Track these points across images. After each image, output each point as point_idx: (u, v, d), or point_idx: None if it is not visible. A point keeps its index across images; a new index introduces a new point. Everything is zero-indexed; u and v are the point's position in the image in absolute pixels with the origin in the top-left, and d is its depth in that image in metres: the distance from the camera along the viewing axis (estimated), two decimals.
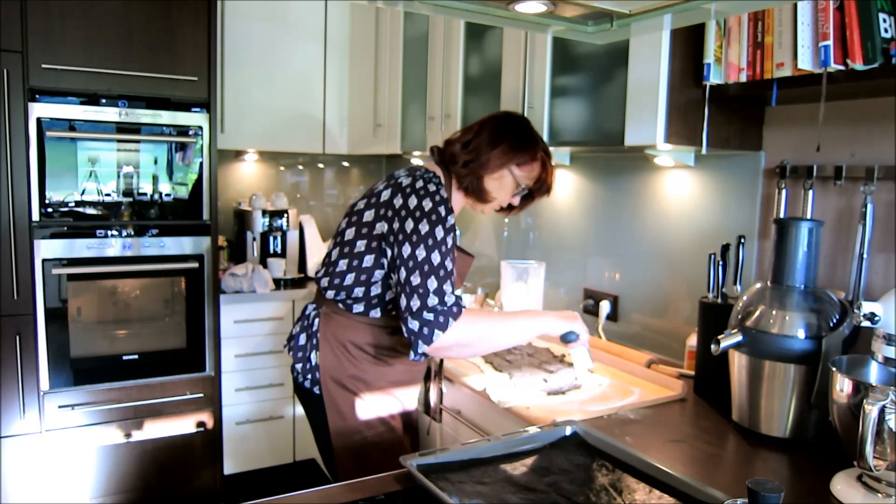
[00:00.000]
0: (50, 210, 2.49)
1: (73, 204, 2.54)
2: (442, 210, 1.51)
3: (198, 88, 2.68)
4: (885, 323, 1.14)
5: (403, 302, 1.48)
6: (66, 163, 2.52)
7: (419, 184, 1.55)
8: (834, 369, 1.12)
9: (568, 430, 1.27)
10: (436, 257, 1.48)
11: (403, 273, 1.48)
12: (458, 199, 1.69)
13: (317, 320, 1.65)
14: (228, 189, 3.46)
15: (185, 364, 2.76)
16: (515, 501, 1.03)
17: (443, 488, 1.04)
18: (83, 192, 2.57)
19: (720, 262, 1.64)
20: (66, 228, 2.52)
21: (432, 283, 1.47)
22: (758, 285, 1.42)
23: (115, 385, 2.64)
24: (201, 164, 2.73)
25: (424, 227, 1.49)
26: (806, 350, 1.29)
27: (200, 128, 2.71)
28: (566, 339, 1.58)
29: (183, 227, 2.72)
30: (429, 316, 1.45)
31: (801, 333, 1.30)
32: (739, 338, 1.36)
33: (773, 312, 1.34)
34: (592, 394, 1.64)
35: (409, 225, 1.50)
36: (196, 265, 2.74)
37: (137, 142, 2.64)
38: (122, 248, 2.62)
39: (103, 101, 2.54)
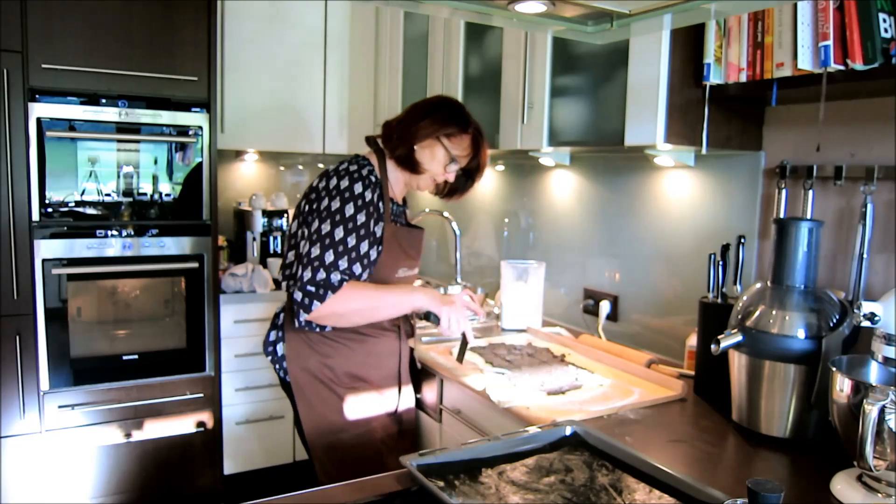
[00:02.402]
0: (50, 210, 2.49)
1: (73, 204, 2.54)
2: (358, 187, 1.60)
3: (198, 88, 2.68)
4: (885, 323, 1.14)
5: (298, 272, 1.56)
6: (66, 163, 2.52)
7: (342, 167, 1.66)
8: (834, 369, 1.12)
9: (568, 430, 1.27)
10: (339, 232, 1.56)
11: (306, 246, 1.58)
12: (398, 178, 1.77)
13: (282, 315, 1.75)
14: (228, 189, 3.46)
15: (185, 364, 2.76)
16: (515, 501, 1.03)
17: (443, 488, 1.04)
18: (83, 192, 2.56)
19: (720, 262, 1.64)
20: (66, 228, 2.52)
21: (329, 257, 1.55)
22: (758, 285, 1.42)
23: (115, 385, 2.64)
24: (201, 164, 2.73)
25: (335, 204, 1.58)
26: (806, 350, 1.29)
27: (200, 128, 2.71)
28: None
29: (183, 227, 2.72)
30: (311, 288, 1.53)
31: (801, 333, 1.30)
32: (739, 338, 1.36)
33: (773, 312, 1.34)
34: (592, 394, 1.64)
35: (324, 203, 1.59)
36: (196, 265, 2.74)
37: (137, 142, 2.64)
38: (122, 248, 2.62)
39: (103, 101, 2.54)
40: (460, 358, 1.79)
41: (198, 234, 2.74)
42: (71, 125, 2.49)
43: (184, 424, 2.77)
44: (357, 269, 1.59)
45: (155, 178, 2.70)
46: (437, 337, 2.15)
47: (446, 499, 0.99)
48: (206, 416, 2.81)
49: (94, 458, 2.62)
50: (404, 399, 1.83)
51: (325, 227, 1.56)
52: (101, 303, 2.63)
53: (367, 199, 1.60)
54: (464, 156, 1.73)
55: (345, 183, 1.60)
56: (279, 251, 3.25)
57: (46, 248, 2.49)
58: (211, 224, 2.76)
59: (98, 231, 2.58)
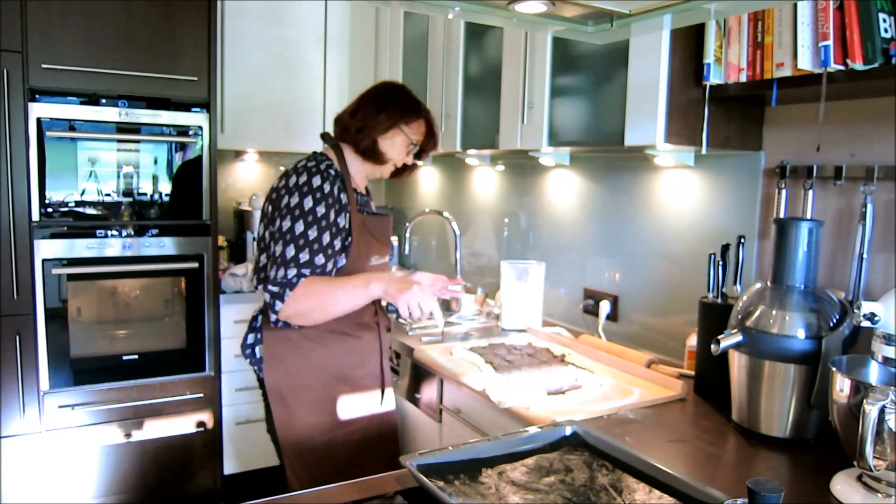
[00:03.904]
0: (50, 210, 2.49)
1: (73, 204, 2.54)
2: (315, 180, 1.60)
3: (198, 88, 2.68)
4: (885, 323, 1.14)
5: (269, 272, 1.59)
6: (66, 163, 2.52)
7: (301, 163, 1.67)
8: (834, 369, 1.12)
9: (568, 430, 1.27)
10: (299, 227, 1.57)
11: (272, 245, 1.61)
12: (359, 170, 1.79)
13: (259, 317, 1.75)
14: (228, 189, 3.46)
15: (185, 364, 2.76)
16: (515, 501, 1.03)
17: (443, 488, 1.04)
18: (83, 192, 2.56)
19: (720, 262, 1.64)
20: (66, 228, 2.52)
21: (290, 251, 1.57)
22: (758, 285, 1.42)
23: (115, 385, 2.63)
24: (201, 164, 2.73)
25: (294, 200, 1.59)
26: (806, 350, 1.29)
27: (200, 128, 2.71)
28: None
29: (183, 227, 2.72)
30: (273, 288, 1.56)
31: (801, 333, 1.30)
32: (739, 338, 1.36)
33: (773, 312, 1.34)
34: (592, 394, 1.64)
35: (284, 201, 1.61)
36: (196, 265, 2.74)
37: (137, 142, 2.64)
38: (122, 248, 2.62)
39: (103, 101, 2.54)
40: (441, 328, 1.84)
41: (198, 234, 2.74)
42: (71, 125, 2.49)
43: (184, 424, 2.77)
44: (319, 259, 1.59)
45: (155, 178, 2.70)
46: (438, 337, 2.15)
47: (446, 499, 0.99)
48: (206, 416, 2.81)
49: (94, 458, 2.62)
50: (387, 401, 1.83)
51: (286, 224, 1.58)
52: (101, 303, 2.63)
53: (325, 191, 1.61)
54: (421, 139, 1.79)
55: (303, 178, 1.61)
56: None
57: (46, 248, 2.48)
58: (211, 224, 2.76)
59: (98, 231, 2.58)
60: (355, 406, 1.75)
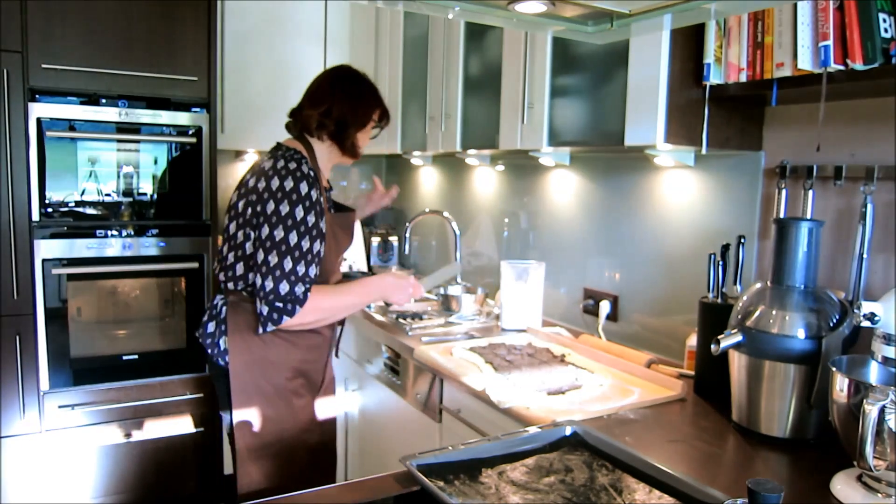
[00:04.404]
0: (50, 210, 2.49)
1: (73, 204, 2.54)
2: (303, 187, 1.60)
3: (198, 88, 2.68)
4: (885, 323, 1.14)
5: (258, 281, 1.57)
6: (66, 163, 2.52)
7: (280, 164, 1.63)
8: (834, 369, 1.12)
9: (568, 430, 1.27)
10: (293, 237, 1.56)
11: (261, 254, 1.58)
12: (327, 163, 1.81)
13: (224, 308, 1.72)
14: (228, 189, 3.45)
15: (185, 364, 2.76)
16: (515, 501, 1.03)
17: (443, 488, 1.04)
18: (83, 192, 2.57)
19: (720, 262, 1.64)
20: (66, 228, 2.52)
21: (287, 264, 1.56)
22: (758, 285, 1.42)
23: (115, 385, 2.64)
24: (201, 164, 2.73)
25: (285, 209, 1.57)
26: (806, 350, 1.29)
27: (200, 128, 2.71)
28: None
29: (183, 227, 2.72)
30: (279, 304, 1.57)
31: (801, 333, 1.30)
32: (739, 338, 1.36)
33: (773, 312, 1.34)
34: (592, 394, 1.64)
35: (271, 206, 1.58)
36: (196, 265, 2.74)
37: (137, 142, 2.64)
38: (122, 248, 2.62)
39: (103, 101, 2.54)
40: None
41: (198, 234, 2.74)
42: (71, 125, 2.49)
43: (184, 424, 2.77)
44: (313, 270, 1.62)
45: (155, 178, 2.70)
46: (438, 337, 2.15)
47: (446, 499, 0.99)
48: (206, 417, 2.81)
49: (94, 458, 2.62)
50: (329, 405, 1.84)
51: (279, 233, 1.57)
52: (101, 303, 2.63)
53: (313, 199, 1.61)
54: (380, 120, 1.84)
55: (289, 184, 1.59)
56: None
57: (46, 248, 2.49)
58: (211, 224, 2.76)
59: (98, 231, 2.58)
60: (310, 405, 1.78)
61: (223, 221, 3.39)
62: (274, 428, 1.70)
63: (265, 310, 1.58)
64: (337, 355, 1.93)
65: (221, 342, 1.71)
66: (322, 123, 1.74)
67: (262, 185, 1.63)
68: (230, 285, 1.71)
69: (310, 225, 1.59)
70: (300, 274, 1.58)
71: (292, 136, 1.80)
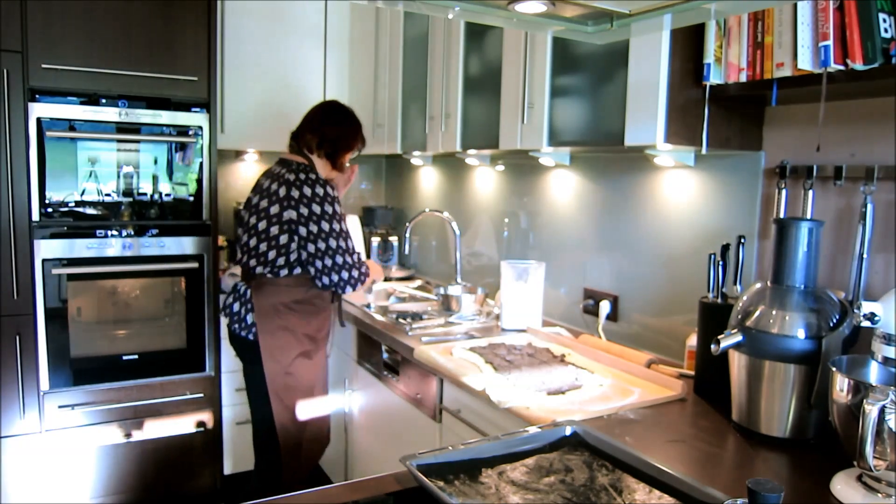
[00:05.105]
0: (50, 210, 2.49)
1: (73, 204, 2.54)
2: (329, 189, 2.10)
3: (198, 88, 2.68)
4: (885, 323, 1.14)
5: (329, 262, 2.08)
6: (66, 163, 2.52)
7: (303, 176, 2.09)
8: (834, 369, 1.12)
9: (568, 430, 1.27)
10: (337, 225, 2.09)
11: (322, 244, 2.07)
12: (322, 173, 2.21)
13: (248, 291, 2.16)
14: (228, 189, 3.46)
15: (185, 364, 2.76)
16: (515, 501, 1.03)
17: (443, 488, 1.04)
18: (83, 192, 2.57)
19: (720, 262, 1.64)
20: (66, 228, 2.52)
21: (344, 243, 2.10)
22: (758, 285, 1.42)
23: (115, 385, 2.64)
24: (201, 164, 2.73)
25: (329, 208, 2.07)
26: (806, 350, 1.29)
27: (200, 128, 2.71)
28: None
29: (183, 227, 2.72)
30: (354, 273, 2.11)
31: (801, 333, 1.30)
32: (739, 338, 1.36)
33: (773, 312, 1.34)
34: (592, 394, 1.64)
35: (317, 209, 2.06)
36: (196, 265, 2.74)
37: (137, 142, 2.64)
38: (122, 248, 2.62)
39: (103, 101, 2.54)
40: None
41: (198, 234, 2.74)
42: (71, 125, 2.49)
43: (184, 424, 2.77)
44: (350, 243, 2.16)
45: (155, 178, 2.70)
46: (438, 337, 2.15)
47: (446, 499, 0.99)
48: (206, 416, 2.81)
49: (94, 458, 2.62)
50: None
51: (332, 225, 2.08)
52: (101, 303, 2.63)
53: (333, 196, 2.11)
54: (360, 145, 2.32)
55: (320, 190, 2.07)
56: None
57: (46, 248, 2.49)
58: (211, 224, 2.76)
59: (98, 231, 2.58)
60: (320, 356, 2.26)
61: (227, 220, 3.43)
62: (295, 374, 2.17)
63: (340, 277, 2.08)
64: (342, 324, 2.41)
65: (249, 318, 2.14)
66: (320, 144, 2.20)
67: (295, 193, 2.06)
68: (259, 269, 2.11)
69: (339, 213, 2.11)
70: (353, 247, 2.13)
71: (293, 152, 2.22)
